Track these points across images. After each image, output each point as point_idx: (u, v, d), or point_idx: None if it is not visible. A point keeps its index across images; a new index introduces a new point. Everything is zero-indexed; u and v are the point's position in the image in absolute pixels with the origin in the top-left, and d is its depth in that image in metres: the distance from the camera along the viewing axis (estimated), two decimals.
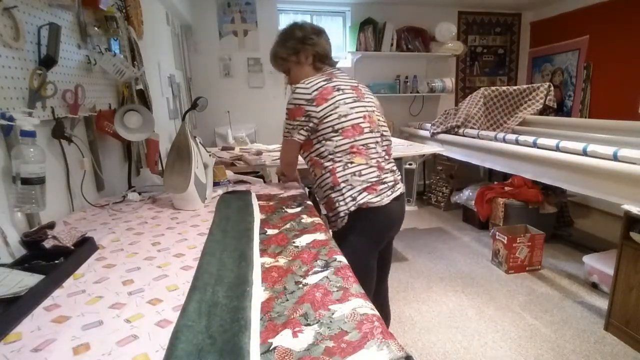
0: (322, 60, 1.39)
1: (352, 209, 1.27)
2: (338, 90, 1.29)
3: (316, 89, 1.26)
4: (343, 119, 1.27)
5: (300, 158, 1.44)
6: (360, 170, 1.28)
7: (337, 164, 1.28)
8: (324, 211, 1.42)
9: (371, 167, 1.30)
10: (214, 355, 0.50)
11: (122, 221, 1.13)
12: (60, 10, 1.23)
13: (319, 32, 1.39)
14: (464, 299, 2.37)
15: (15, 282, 0.64)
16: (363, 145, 1.29)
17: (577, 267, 2.68)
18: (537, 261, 2.72)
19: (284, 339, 0.53)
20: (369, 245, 1.35)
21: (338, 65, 1.46)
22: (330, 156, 1.28)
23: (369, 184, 1.29)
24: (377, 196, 1.29)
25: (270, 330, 0.56)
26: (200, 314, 0.60)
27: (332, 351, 0.50)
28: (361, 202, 1.27)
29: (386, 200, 1.31)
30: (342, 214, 1.28)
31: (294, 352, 0.51)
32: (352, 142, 1.28)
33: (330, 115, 1.26)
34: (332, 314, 0.59)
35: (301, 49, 1.35)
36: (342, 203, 1.28)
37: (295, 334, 0.54)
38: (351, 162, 1.28)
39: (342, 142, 1.27)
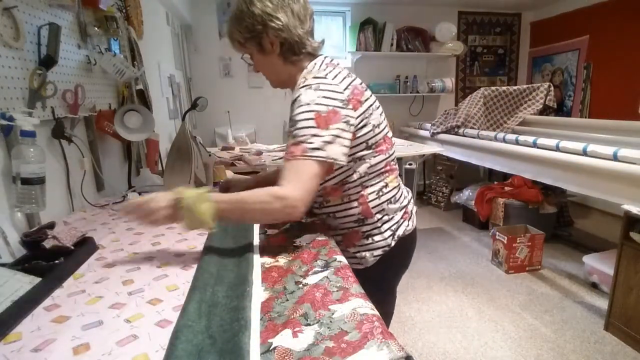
0: (295, 50, 0.97)
1: (392, 244, 1.02)
2: (366, 89, 0.98)
3: (347, 86, 0.91)
4: (377, 130, 0.97)
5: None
6: (395, 195, 1.04)
7: (369, 190, 0.99)
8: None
9: (401, 186, 1.08)
10: (214, 355, 0.50)
11: (122, 221, 1.13)
12: (60, 10, 1.23)
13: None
14: (464, 299, 2.37)
15: (13, 289, 0.64)
16: (393, 160, 1.04)
17: (577, 267, 2.68)
18: (537, 261, 2.72)
19: (284, 339, 0.53)
20: (399, 276, 1.17)
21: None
22: (360, 180, 0.98)
23: (403, 209, 1.06)
24: (409, 219, 1.08)
25: (270, 330, 0.56)
26: (200, 314, 0.60)
27: (332, 351, 0.50)
28: (400, 233, 1.04)
29: (415, 220, 1.11)
30: (376, 253, 1.02)
31: (293, 352, 0.51)
32: (386, 158, 1.00)
33: (365, 126, 0.93)
34: (332, 314, 0.59)
35: (263, 33, 0.94)
36: (378, 238, 1.01)
37: (295, 334, 0.54)
38: (386, 187, 1.01)
39: (376, 160, 0.98)
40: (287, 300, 0.64)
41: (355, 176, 0.97)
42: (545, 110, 3.30)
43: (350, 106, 0.89)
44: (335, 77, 0.91)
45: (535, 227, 2.82)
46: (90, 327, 0.58)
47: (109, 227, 1.07)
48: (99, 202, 1.34)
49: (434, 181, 4.44)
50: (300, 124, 0.83)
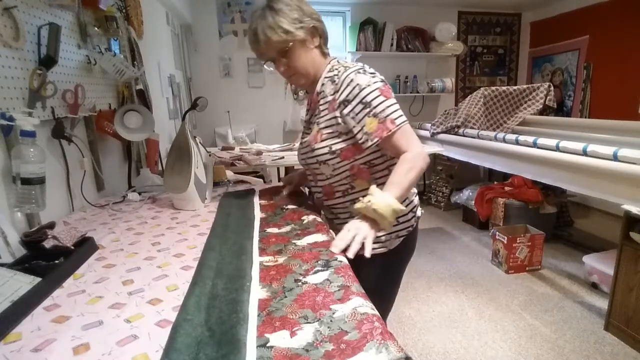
0: (326, 43, 1.08)
1: (414, 224, 1.12)
2: None
3: (381, 77, 1.00)
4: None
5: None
6: None
7: None
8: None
9: None
10: (213, 347, 0.51)
11: (122, 221, 1.13)
12: (60, 10, 1.23)
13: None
14: (464, 299, 2.37)
15: (13, 289, 0.64)
16: None
17: (577, 267, 2.68)
18: (537, 261, 2.72)
19: (281, 340, 0.53)
20: (407, 262, 1.20)
21: None
22: (387, 164, 1.05)
23: (416, 192, 1.16)
24: (419, 202, 1.17)
25: (268, 324, 0.56)
26: (200, 307, 0.60)
27: (332, 354, 0.50)
28: (418, 214, 1.15)
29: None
30: (402, 233, 1.10)
31: (291, 350, 0.51)
32: None
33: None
34: (333, 313, 0.59)
35: (310, 24, 0.99)
36: (402, 219, 1.09)
37: (293, 333, 0.54)
38: None
39: None
40: (286, 297, 0.64)
41: (382, 158, 1.04)
42: (545, 110, 3.30)
43: (388, 87, 0.99)
44: (366, 65, 1.01)
45: (535, 227, 2.82)
46: (90, 327, 0.58)
47: (109, 227, 1.07)
48: (99, 202, 1.34)
49: (434, 181, 4.44)
50: (373, 102, 0.94)
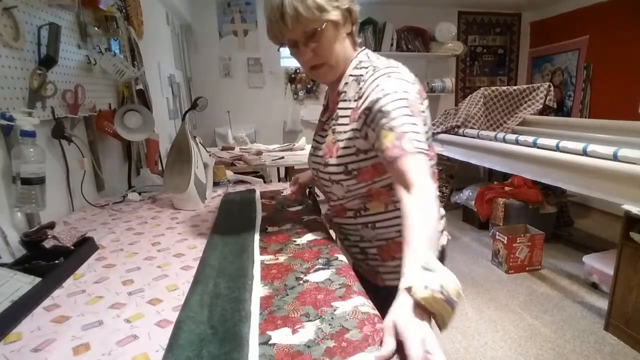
0: (357, 33, 0.93)
1: (437, 255, 0.89)
2: None
3: (414, 79, 0.84)
4: (429, 132, 0.90)
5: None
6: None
7: None
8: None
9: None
10: (216, 345, 0.51)
11: (122, 221, 1.13)
12: (60, 10, 1.23)
13: None
14: (464, 299, 2.37)
15: (13, 289, 0.64)
16: (435, 168, 0.93)
17: (577, 267, 2.68)
18: (537, 261, 2.72)
19: (283, 337, 0.53)
20: None
21: None
22: None
23: (442, 218, 0.96)
24: (445, 229, 0.99)
25: (270, 322, 0.57)
26: (202, 305, 0.61)
27: (333, 351, 0.50)
28: (444, 242, 0.97)
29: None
30: None
31: (293, 347, 0.51)
32: (433, 164, 0.90)
33: (425, 124, 0.84)
34: (335, 310, 0.59)
35: (345, 4, 0.83)
36: None
37: (295, 331, 0.55)
38: None
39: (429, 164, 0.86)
40: (287, 295, 0.65)
41: None
42: (545, 110, 3.30)
43: (420, 100, 0.81)
44: (403, 69, 0.83)
45: (535, 227, 2.82)
46: (90, 327, 0.58)
47: (109, 227, 1.07)
48: (99, 202, 1.34)
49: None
50: (394, 114, 0.73)
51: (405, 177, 0.70)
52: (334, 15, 0.80)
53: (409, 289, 0.53)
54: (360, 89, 0.82)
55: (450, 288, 0.54)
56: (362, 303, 0.61)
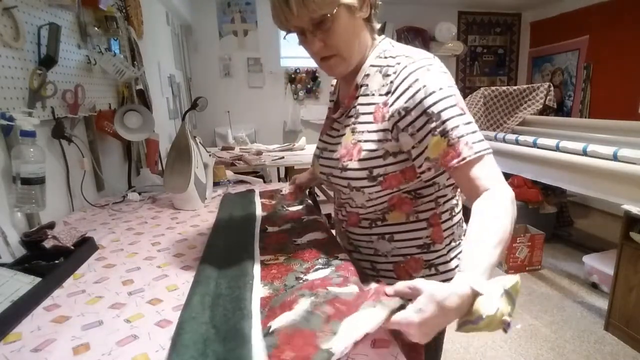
0: (377, 16, 0.77)
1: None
2: None
3: (447, 70, 0.72)
4: None
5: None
6: (462, 218, 0.86)
7: (444, 208, 0.80)
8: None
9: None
10: (220, 343, 0.51)
11: (122, 221, 1.13)
12: (60, 10, 1.23)
13: None
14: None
15: (13, 289, 0.64)
16: None
17: (577, 267, 2.68)
18: (537, 261, 2.72)
19: (281, 320, 0.54)
20: None
21: None
22: (437, 194, 0.79)
23: (462, 221, 0.88)
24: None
25: (270, 317, 0.57)
26: (204, 306, 0.61)
27: (330, 316, 0.51)
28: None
29: None
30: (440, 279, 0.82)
31: (293, 324, 0.51)
32: None
33: None
34: (329, 291, 0.60)
35: None
36: (443, 269, 0.82)
37: (291, 308, 0.55)
38: (457, 206, 0.84)
39: None
40: (286, 293, 0.65)
41: (433, 188, 0.77)
42: (545, 110, 3.30)
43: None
44: (434, 56, 0.72)
45: (535, 227, 2.82)
46: (90, 327, 0.58)
47: (109, 227, 1.07)
48: (99, 202, 1.34)
49: None
50: (444, 115, 0.64)
51: (473, 186, 0.63)
52: (347, 1, 0.67)
53: (475, 292, 0.49)
54: (391, 82, 0.70)
55: (505, 309, 0.48)
56: (357, 290, 0.61)
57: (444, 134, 0.64)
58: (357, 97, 0.77)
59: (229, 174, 1.82)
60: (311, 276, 0.70)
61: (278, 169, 3.23)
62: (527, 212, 3.06)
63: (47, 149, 1.11)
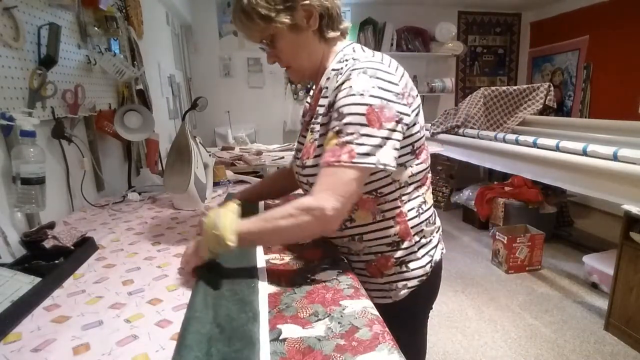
0: (334, 24, 0.81)
1: (429, 272, 0.86)
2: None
3: (402, 76, 0.77)
4: (422, 133, 0.82)
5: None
6: (432, 214, 0.89)
7: (409, 206, 0.82)
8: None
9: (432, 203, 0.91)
10: (224, 343, 0.51)
11: (122, 221, 1.13)
12: (60, 10, 1.23)
13: None
14: (464, 299, 2.37)
15: (13, 289, 0.64)
16: (429, 172, 0.90)
17: (577, 267, 2.68)
18: (537, 261, 2.72)
19: (294, 331, 0.54)
20: (430, 307, 1.01)
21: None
22: (399, 192, 0.81)
23: (438, 230, 0.92)
24: (441, 241, 0.93)
25: (279, 318, 0.57)
26: (207, 305, 0.60)
27: (344, 348, 0.50)
28: (437, 258, 0.89)
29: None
30: (412, 283, 0.85)
31: (304, 339, 0.51)
32: (426, 169, 0.86)
33: (415, 125, 0.78)
34: (343, 309, 0.59)
35: (308, 1, 0.75)
36: (414, 266, 0.84)
37: (304, 327, 0.55)
38: (424, 203, 0.86)
39: (418, 169, 0.82)
40: (295, 293, 0.65)
41: (393, 186, 0.79)
42: (545, 110, 3.30)
43: (404, 101, 0.73)
44: (390, 63, 0.76)
45: (535, 227, 2.82)
46: (90, 327, 0.58)
47: (109, 227, 1.07)
48: (99, 202, 1.34)
49: (434, 181, 4.44)
50: (348, 118, 0.68)
51: (316, 180, 0.68)
52: (284, 19, 0.74)
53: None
54: (337, 81, 0.74)
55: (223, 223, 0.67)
56: (371, 305, 0.61)
57: (339, 133, 0.69)
58: (320, 99, 0.81)
59: (229, 174, 1.82)
60: (318, 276, 0.71)
61: (278, 168, 3.22)
62: (527, 212, 3.06)
63: (47, 149, 1.11)
